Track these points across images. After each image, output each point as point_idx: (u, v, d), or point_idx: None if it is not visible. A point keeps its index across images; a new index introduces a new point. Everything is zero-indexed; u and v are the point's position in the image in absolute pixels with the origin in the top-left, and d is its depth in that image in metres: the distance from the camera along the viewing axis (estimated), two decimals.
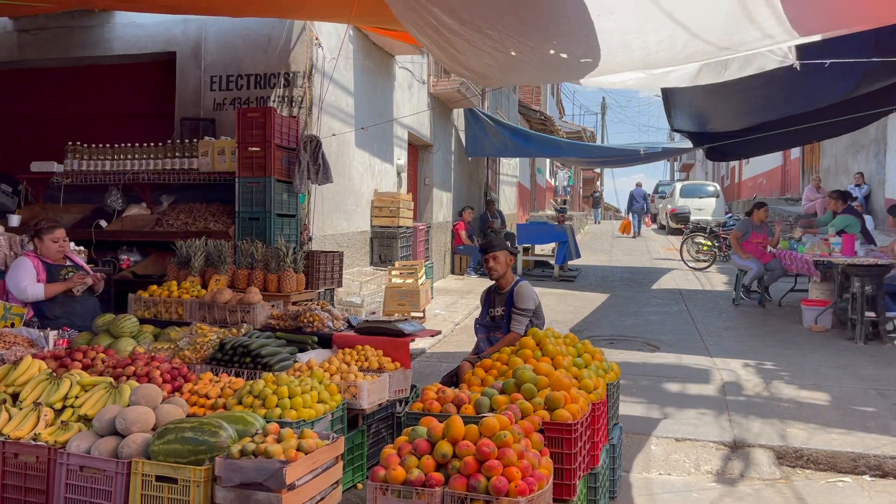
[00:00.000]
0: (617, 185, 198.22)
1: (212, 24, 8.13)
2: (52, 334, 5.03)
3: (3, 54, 8.54)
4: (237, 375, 4.63)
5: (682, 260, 16.07)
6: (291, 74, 7.93)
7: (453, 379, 5.10)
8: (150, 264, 7.67)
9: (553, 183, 36.13)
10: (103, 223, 7.57)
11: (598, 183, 49.15)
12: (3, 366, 4.11)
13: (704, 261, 15.91)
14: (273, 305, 5.72)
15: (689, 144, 11.63)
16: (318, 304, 5.52)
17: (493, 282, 5.44)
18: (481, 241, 15.01)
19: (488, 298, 5.44)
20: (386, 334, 5.19)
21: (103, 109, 8.56)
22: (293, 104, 7.95)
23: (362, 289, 8.56)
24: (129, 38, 8.33)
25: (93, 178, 7.65)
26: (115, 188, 7.74)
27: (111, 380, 4.01)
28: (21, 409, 3.78)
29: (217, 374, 4.62)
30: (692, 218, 20.54)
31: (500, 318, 5.31)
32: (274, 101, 7.91)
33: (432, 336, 5.53)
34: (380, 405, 4.73)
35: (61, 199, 7.87)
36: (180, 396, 4.16)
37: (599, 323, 9.79)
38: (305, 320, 5.30)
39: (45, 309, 5.44)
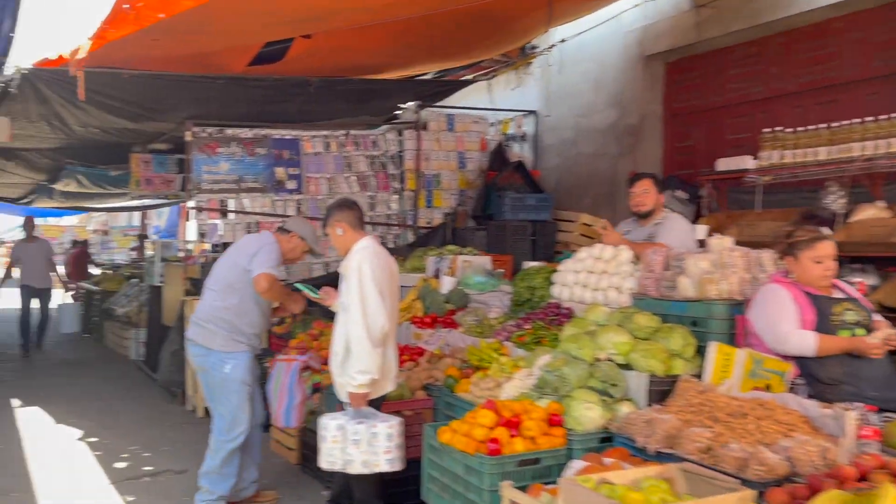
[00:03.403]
0: None
1: None
2: (852, 416, 3.11)
3: (679, 39, 7.33)
4: None
5: None
6: None
7: None
8: (893, 290, 5.30)
9: None
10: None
11: None
12: (851, 495, 2.29)
13: None
14: None
15: None
16: None
17: None
18: None
19: None
20: None
21: (801, 81, 6.59)
22: None
23: None
24: None
25: (799, 173, 5.74)
26: (835, 183, 5.66)
27: None
28: None
29: None
30: None
31: None
32: None
33: None
34: None
35: (756, 203, 6.19)
36: None
37: None
38: None
39: (814, 366, 3.59)
